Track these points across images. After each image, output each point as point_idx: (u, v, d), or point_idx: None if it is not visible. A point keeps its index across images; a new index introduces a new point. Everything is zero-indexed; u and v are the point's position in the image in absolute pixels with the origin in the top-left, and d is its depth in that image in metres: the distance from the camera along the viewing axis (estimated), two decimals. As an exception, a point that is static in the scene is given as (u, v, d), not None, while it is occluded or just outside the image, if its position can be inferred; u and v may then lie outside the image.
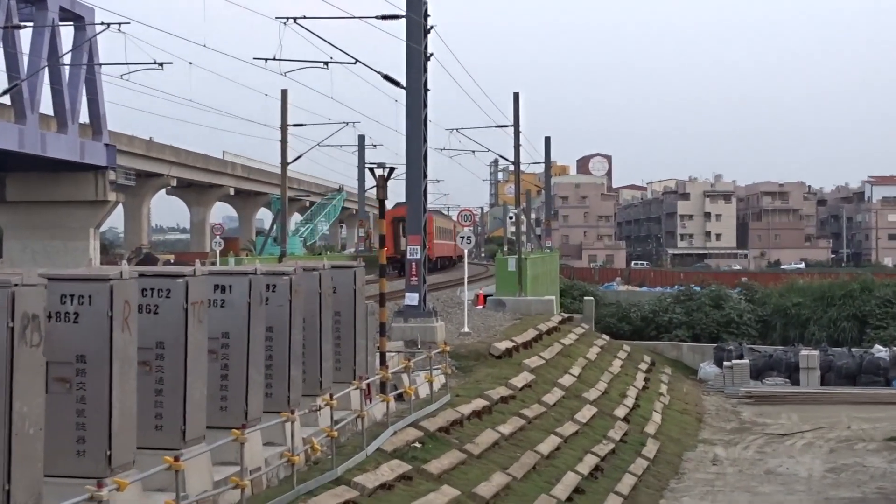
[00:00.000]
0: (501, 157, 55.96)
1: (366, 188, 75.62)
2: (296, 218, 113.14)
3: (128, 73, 37.51)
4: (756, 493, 21.39)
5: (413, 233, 26.13)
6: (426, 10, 25.89)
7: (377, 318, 17.41)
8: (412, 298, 25.97)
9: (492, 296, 38.31)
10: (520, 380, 23.72)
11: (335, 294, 15.08)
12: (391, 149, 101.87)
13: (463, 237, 29.24)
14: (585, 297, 49.56)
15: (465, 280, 30.47)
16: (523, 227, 58.33)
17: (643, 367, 37.79)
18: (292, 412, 11.97)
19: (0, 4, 48.30)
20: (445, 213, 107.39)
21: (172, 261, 62.62)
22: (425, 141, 26.33)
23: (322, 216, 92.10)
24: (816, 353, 39.88)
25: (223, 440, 10.34)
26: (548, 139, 75.40)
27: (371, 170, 18.00)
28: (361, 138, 71.64)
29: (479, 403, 19.81)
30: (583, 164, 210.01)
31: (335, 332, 15.30)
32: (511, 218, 59.53)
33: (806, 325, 50.42)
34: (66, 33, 55.45)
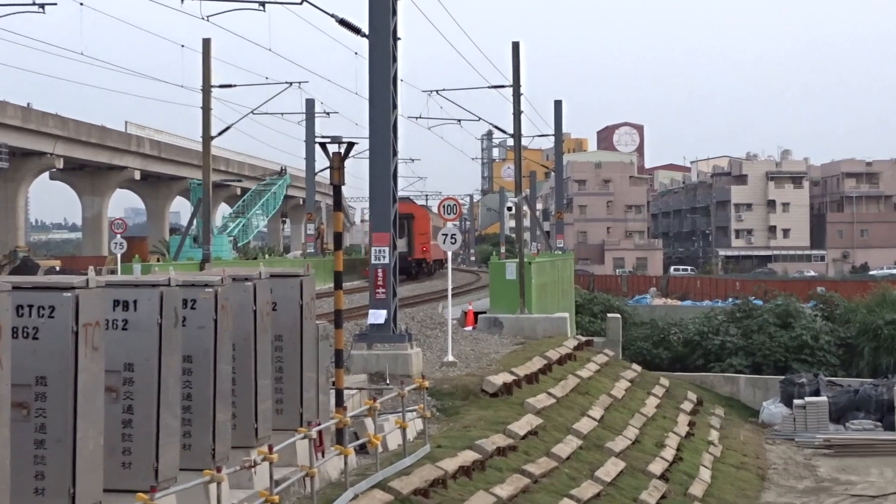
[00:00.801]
0: (496, 127, 55.96)
1: (316, 170, 75.50)
2: (223, 210, 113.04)
3: (-3, 18, 37.29)
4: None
5: (379, 228, 26.21)
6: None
7: (332, 344, 17.52)
8: (378, 316, 26.12)
9: (484, 313, 38.51)
10: (522, 425, 23.72)
11: (275, 312, 15.26)
12: (350, 117, 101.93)
13: (446, 235, 29.28)
14: (610, 315, 49.92)
15: (450, 292, 30.41)
16: (526, 222, 58.47)
17: (686, 406, 38.00)
18: (218, 469, 11.80)
19: None
20: (425, 203, 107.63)
21: (58, 268, 62.50)
22: (395, 107, 26.22)
23: (258, 208, 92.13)
24: (917, 387, 40.04)
25: (126, 508, 10.09)
26: (558, 104, 75.79)
27: (323, 146, 17.62)
28: (310, 104, 71.64)
29: (467, 457, 19.81)
30: (605, 137, 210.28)
31: (276, 363, 15.46)
32: (510, 209, 59.53)
33: (903, 350, 50.62)
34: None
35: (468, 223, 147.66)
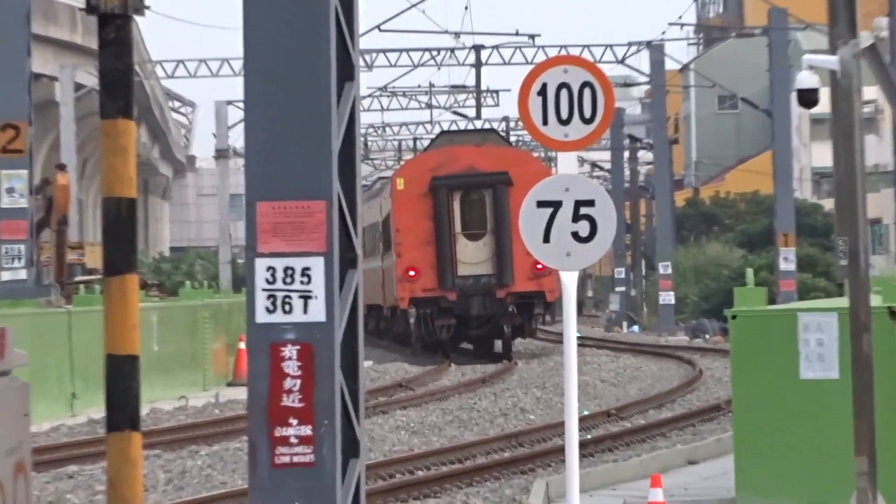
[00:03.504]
0: None
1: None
2: None
3: None
4: None
5: (271, 192, 7.09)
6: None
7: None
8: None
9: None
10: None
11: None
12: None
13: (556, 207, 10.13)
14: None
15: (573, 438, 9.81)
16: (875, 151, 19.39)
17: None
18: None
19: None
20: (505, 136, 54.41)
21: None
22: None
23: None
24: None
25: None
26: None
27: None
28: None
29: None
30: None
31: None
32: (805, 101, 18.99)
33: None
34: None
35: (641, 163, 65.25)
